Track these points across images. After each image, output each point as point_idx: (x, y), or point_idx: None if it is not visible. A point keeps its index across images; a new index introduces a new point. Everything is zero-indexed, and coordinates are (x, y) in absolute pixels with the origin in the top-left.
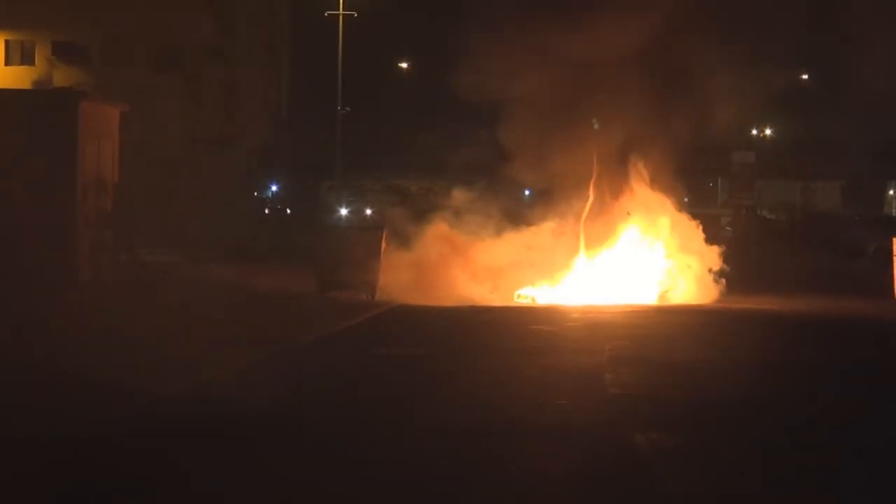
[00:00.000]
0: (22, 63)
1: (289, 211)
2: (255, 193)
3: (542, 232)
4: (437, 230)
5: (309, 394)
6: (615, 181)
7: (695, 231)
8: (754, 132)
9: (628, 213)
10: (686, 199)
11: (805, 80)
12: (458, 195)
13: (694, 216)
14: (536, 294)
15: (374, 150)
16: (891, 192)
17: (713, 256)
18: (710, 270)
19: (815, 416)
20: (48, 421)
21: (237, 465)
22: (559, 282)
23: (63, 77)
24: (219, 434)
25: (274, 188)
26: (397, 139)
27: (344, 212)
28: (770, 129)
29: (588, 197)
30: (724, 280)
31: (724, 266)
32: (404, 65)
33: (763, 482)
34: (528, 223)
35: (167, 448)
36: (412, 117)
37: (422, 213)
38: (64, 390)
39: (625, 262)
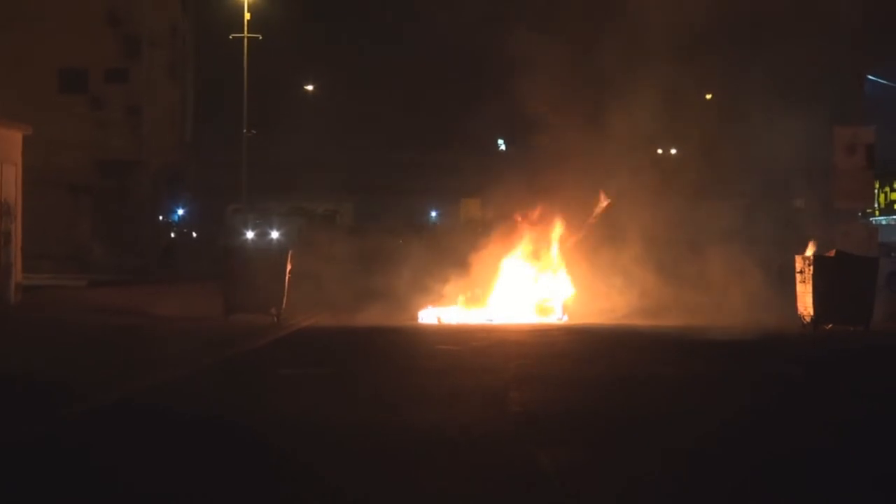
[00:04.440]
0: None
1: (195, 234)
2: (161, 217)
3: (450, 252)
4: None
5: (208, 416)
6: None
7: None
8: (659, 151)
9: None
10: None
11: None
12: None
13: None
14: (442, 314)
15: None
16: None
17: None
18: (616, 288)
19: (717, 428)
20: None
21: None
22: (465, 302)
23: None
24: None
25: (180, 212)
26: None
27: (250, 234)
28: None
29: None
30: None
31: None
32: (310, 87)
33: (667, 496)
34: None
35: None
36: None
37: (327, 234)
38: None
39: (531, 282)
